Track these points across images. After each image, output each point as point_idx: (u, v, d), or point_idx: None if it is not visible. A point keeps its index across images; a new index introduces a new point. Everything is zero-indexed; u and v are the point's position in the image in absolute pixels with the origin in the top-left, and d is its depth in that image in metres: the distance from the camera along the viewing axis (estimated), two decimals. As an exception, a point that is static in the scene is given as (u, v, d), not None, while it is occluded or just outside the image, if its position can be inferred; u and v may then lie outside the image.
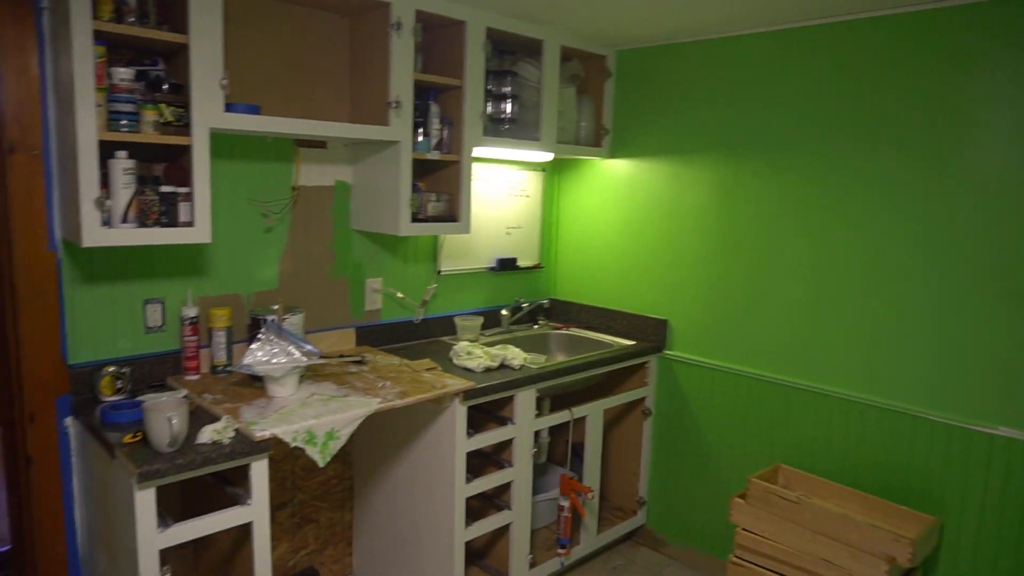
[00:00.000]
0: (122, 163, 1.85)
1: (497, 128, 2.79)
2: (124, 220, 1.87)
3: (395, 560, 2.64)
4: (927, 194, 2.29)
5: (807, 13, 2.42)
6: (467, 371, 2.47)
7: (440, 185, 2.69)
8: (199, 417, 1.88)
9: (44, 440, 2.06)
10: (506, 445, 2.54)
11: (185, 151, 1.95)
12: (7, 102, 1.89)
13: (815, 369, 2.59)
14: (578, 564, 2.98)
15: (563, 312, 3.46)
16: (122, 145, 1.85)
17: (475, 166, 2.77)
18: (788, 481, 2.59)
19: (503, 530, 2.59)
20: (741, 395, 2.81)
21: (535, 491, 2.74)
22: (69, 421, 2.09)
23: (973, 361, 2.23)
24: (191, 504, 2.08)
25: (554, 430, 2.81)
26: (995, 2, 2.12)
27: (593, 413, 2.84)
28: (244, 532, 1.87)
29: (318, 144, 2.54)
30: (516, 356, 2.59)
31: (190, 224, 1.96)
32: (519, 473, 2.56)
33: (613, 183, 3.21)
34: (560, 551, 2.74)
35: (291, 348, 2.10)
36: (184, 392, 2.08)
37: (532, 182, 3.35)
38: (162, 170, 2.08)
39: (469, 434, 2.37)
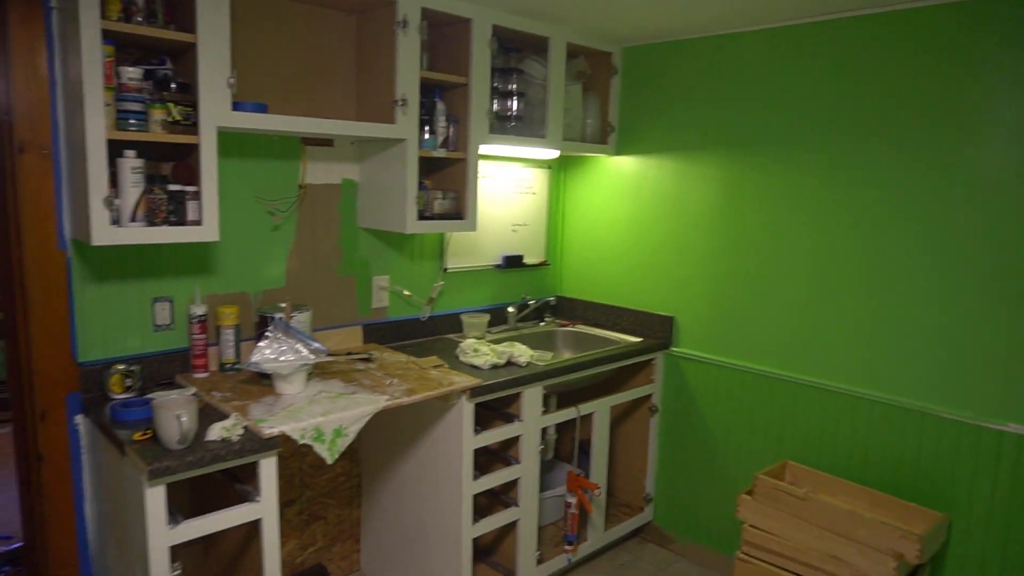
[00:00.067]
0: (131, 162, 1.86)
1: (503, 126, 2.79)
2: (133, 219, 1.88)
3: (403, 557, 2.65)
4: (930, 191, 2.28)
5: (811, 9, 2.41)
6: (474, 368, 2.48)
7: (446, 183, 2.70)
8: (208, 415, 1.89)
9: (55, 438, 2.07)
10: (513, 442, 2.55)
11: (193, 150, 1.96)
12: (17, 102, 1.91)
13: (822, 365, 2.59)
14: (585, 560, 2.99)
15: (569, 309, 3.46)
16: (131, 144, 1.86)
17: (481, 164, 2.77)
18: (795, 477, 2.59)
19: (510, 527, 2.60)
20: (748, 391, 2.81)
21: (542, 488, 2.74)
22: (79, 419, 2.10)
23: (977, 358, 2.22)
24: (201, 501, 2.09)
25: (561, 427, 2.82)
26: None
27: (600, 410, 2.85)
28: (253, 529, 1.88)
29: (325, 142, 2.55)
30: (523, 353, 2.59)
31: (198, 223, 1.97)
32: (526, 470, 2.57)
33: (619, 180, 3.20)
34: (567, 548, 2.75)
35: (299, 346, 2.11)
36: (193, 390, 2.09)
37: (538, 179, 3.35)
38: (170, 169, 2.09)
39: (476, 431, 2.37)
